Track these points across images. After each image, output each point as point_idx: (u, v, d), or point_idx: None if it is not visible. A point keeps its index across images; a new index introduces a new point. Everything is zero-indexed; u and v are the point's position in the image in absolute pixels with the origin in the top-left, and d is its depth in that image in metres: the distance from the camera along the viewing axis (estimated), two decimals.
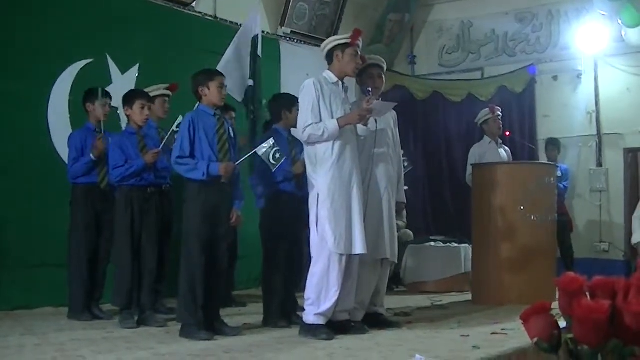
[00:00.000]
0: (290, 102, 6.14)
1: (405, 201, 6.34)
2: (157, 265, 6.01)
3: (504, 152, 8.38)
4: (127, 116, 6.10)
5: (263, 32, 9.53)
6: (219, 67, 6.99)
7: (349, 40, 5.38)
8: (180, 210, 5.49)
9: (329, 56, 5.46)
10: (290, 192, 5.91)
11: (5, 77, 6.90)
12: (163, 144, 6.02)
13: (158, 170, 6.04)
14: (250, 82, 7.36)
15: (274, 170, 5.66)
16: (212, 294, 5.27)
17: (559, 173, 9.48)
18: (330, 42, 5.49)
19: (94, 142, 6.25)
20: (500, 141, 8.40)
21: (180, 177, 5.48)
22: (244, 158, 5.48)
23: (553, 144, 9.91)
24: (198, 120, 5.31)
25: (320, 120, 5.20)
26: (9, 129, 6.88)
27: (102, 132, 6.27)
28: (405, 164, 6.69)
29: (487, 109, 8.36)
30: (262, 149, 5.50)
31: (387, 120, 5.91)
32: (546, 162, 9.10)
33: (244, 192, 5.73)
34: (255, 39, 7.46)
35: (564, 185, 9.66)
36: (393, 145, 5.97)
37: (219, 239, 5.34)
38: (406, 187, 6.59)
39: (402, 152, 6.33)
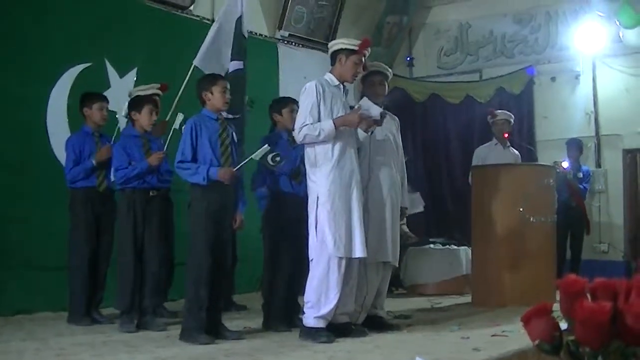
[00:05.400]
0: (279, 105, 6.18)
1: (407, 206, 6.35)
2: (159, 268, 6.01)
3: (510, 154, 8.46)
4: (134, 120, 6.11)
5: (261, 35, 9.59)
6: (198, 56, 7.04)
7: (356, 48, 5.38)
8: (182, 213, 5.49)
9: (333, 57, 5.47)
10: (291, 193, 5.91)
11: (4, 80, 6.90)
12: (166, 146, 6.02)
13: (161, 173, 6.05)
14: (239, 65, 7.15)
15: (276, 172, 5.68)
16: (217, 296, 5.27)
17: (580, 174, 9.51)
18: (338, 44, 5.49)
19: (100, 148, 6.27)
20: (507, 143, 8.50)
21: (184, 180, 5.47)
22: (241, 164, 5.47)
23: (575, 144, 9.75)
24: (201, 125, 5.32)
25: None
26: (8, 132, 6.88)
27: (100, 137, 6.30)
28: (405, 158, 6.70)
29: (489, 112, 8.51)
30: (258, 155, 5.51)
31: (390, 127, 5.93)
32: (545, 163, 9.07)
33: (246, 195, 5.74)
34: (239, 20, 7.28)
35: (584, 187, 9.65)
36: (396, 152, 5.98)
37: (224, 241, 5.36)
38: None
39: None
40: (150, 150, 6.03)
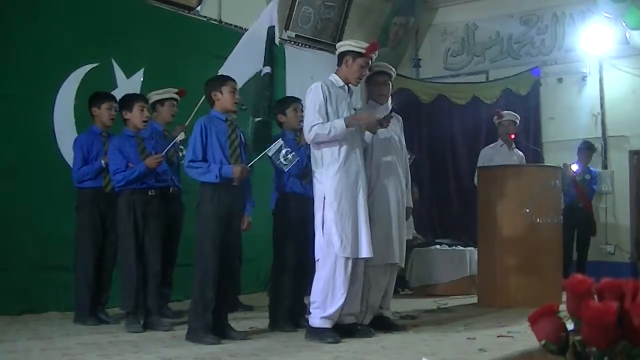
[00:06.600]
0: (282, 106, 6.17)
1: (412, 206, 6.35)
2: (161, 268, 6.01)
3: (515, 156, 8.46)
4: (126, 120, 6.08)
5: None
6: (227, 63, 7.00)
7: (363, 51, 5.38)
8: (191, 213, 5.48)
9: (340, 58, 5.47)
10: (301, 193, 5.91)
11: (11, 80, 6.92)
12: (165, 151, 6.01)
13: (158, 174, 6.03)
14: (268, 69, 7.07)
15: (286, 170, 5.67)
16: (223, 297, 5.28)
17: (588, 176, 9.52)
18: (345, 45, 5.48)
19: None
20: (513, 144, 8.51)
21: (191, 180, 5.48)
22: (254, 160, 5.47)
23: (587, 147, 9.77)
24: (210, 125, 5.32)
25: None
26: (15, 133, 6.89)
27: (108, 137, 6.30)
28: (408, 155, 6.70)
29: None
30: (271, 150, 5.50)
31: (395, 127, 5.93)
32: (552, 164, 9.06)
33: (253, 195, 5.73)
34: (271, 30, 7.31)
35: (592, 188, 9.66)
36: (401, 152, 5.98)
37: (231, 242, 5.36)
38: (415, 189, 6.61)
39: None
40: (146, 150, 6.01)
